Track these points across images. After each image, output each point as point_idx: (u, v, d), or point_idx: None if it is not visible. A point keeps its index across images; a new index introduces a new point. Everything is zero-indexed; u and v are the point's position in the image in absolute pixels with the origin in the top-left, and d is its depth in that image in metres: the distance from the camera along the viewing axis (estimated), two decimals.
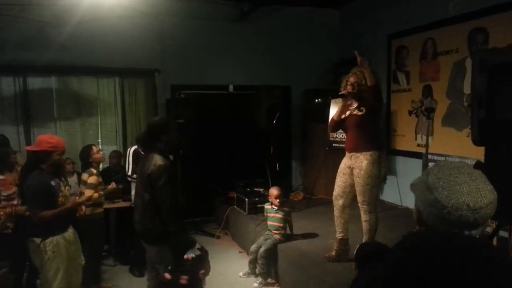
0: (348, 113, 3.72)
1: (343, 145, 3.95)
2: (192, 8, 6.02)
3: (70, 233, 3.33)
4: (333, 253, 3.85)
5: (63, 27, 5.28)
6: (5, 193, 3.63)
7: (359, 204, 3.66)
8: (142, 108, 5.99)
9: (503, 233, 3.24)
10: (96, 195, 4.15)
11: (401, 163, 5.74)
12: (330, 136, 5.75)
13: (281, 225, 4.41)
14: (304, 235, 4.59)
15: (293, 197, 6.35)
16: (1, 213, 3.50)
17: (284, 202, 4.74)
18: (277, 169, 5.86)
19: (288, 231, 4.48)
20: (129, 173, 4.73)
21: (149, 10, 5.79)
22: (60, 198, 3.19)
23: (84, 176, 4.20)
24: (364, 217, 3.66)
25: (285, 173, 6.67)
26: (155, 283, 3.23)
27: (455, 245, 1.07)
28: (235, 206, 5.76)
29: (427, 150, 4.49)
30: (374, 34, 6.09)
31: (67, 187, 3.38)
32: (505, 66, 2.45)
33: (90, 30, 5.49)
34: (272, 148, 5.84)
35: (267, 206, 4.57)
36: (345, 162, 3.73)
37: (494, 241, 3.16)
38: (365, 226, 3.67)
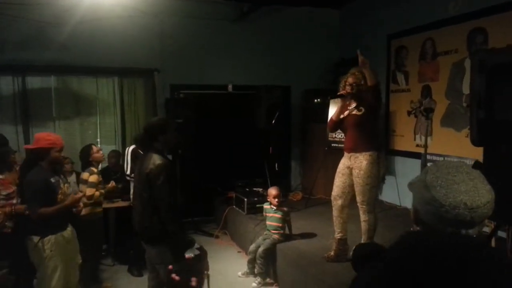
0: (346, 113, 3.72)
1: (342, 145, 3.95)
2: (192, 7, 6.02)
3: (68, 231, 3.33)
4: (332, 253, 3.85)
5: (63, 26, 5.28)
6: (4, 192, 3.63)
7: (358, 204, 3.66)
8: (141, 107, 5.99)
9: (502, 234, 3.25)
10: (97, 193, 4.16)
11: (400, 163, 5.74)
12: (330, 136, 5.75)
13: (280, 225, 4.41)
14: (303, 235, 4.59)
15: (292, 197, 6.35)
16: (0, 212, 3.49)
17: (283, 202, 4.74)
18: (276, 169, 5.87)
19: (287, 231, 4.48)
20: (128, 172, 4.73)
21: (148, 10, 5.79)
22: (60, 195, 3.19)
23: (85, 175, 4.20)
24: (363, 217, 3.67)
25: (284, 173, 6.67)
26: (156, 283, 3.23)
27: (453, 245, 1.07)
28: (234, 206, 5.76)
29: (426, 150, 4.49)
30: (374, 34, 6.09)
31: (66, 185, 3.38)
32: (505, 66, 2.45)
33: (89, 29, 5.48)
34: (271, 148, 5.85)
35: (266, 206, 4.57)
36: (344, 162, 3.73)
37: (493, 242, 3.17)
38: (364, 226, 3.67)
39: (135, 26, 5.76)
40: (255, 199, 5.45)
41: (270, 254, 4.31)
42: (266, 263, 4.32)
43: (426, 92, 5.27)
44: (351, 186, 3.68)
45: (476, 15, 4.51)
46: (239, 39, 6.48)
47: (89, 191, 4.09)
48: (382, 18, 6.01)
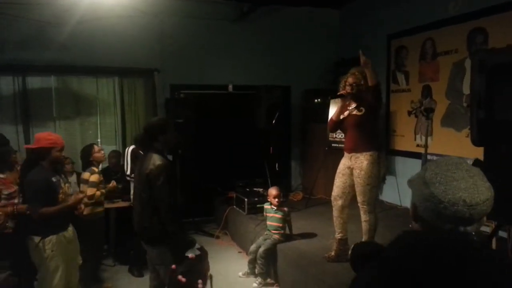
0: (347, 113, 3.72)
1: (343, 145, 3.95)
2: (192, 7, 6.02)
3: (70, 231, 3.33)
4: (332, 253, 3.85)
5: (63, 26, 5.28)
6: (6, 192, 3.63)
7: (359, 204, 3.66)
8: (142, 107, 5.99)
9: (503, 234, 3.25)
10: (98, 193, 4.16)
11: (401, 163, 5.74)
12: (330, 136, 5.75)
13: (280, 225, 4.41)
14: (303, 235, 4.59)
15: (292, 197, 6.35)
16: (0, 213, 3.49)
17: (284, 202, 4.74)
18: (277, 169, 5.87)
19: (287, 231, 4.48)
20: (128, 172, 4.73)
21: (148, 10, 5.79)
22: (61, 195, 3.20)
23: (86, 174, 4.21)
24: (363, 217, 3.67)
25: (284, 173, 6.67)
26: (157, 283, 3.23)
27: (452, 244, 1.07)
28: (234, 206, 5.76)
29: (426, 150, 4.49)
30: (374, 34, 6.09)
31: (67, 184, 3.39)
32: (505, 66, 2.45)
33: (89, 29, 5.49)
34: (271, 148, 5.84)
35: (266, 206, 4.57)
36: (344, 162, 3.73)
37: (493, 242, 3.17)
38: (364, 226, 3.67)
39: (135, 26, 5.77)
40: (256, 199, 5.45)
41: (270, 254, 4.31)
42: (266, 263, 4.32)
43: (427, 92, 5.27)
44: (352, 186, 3.68)
45: (476, 15, 4.50)
46: (239, 39, 6.48)
47: (90, 191, 4.09)
48: (382, 18, 6.00)
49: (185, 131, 5.34)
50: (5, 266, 3.99)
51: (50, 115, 5.60)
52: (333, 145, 5.79)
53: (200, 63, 6.23)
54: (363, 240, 3.68)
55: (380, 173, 3.74)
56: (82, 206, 4.01)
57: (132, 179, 4.53)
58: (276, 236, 4.37)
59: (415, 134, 5.47)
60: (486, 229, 3.46)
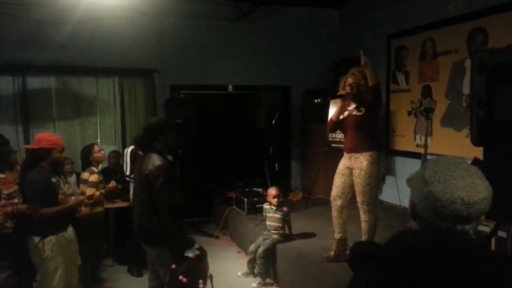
0: (346, 113, 3.71)
1: (342, 146, 3.95)
2: (192, 8, 6.02)
3: (69, 232, 3.33)
4: (332, 253, 3.85)
5: (63, 26, 5.28)
6: (6, 192, 3.64)
7: (358, 205, 3.66)
8: (141, 108, 5.98)
9: (502, 233, 3.25)
10: (97, 193, 4.16)
11: (400, 163, 5.74)
12: (330, 136, 5.75)
13: (280, 225, 4.41)
14: (302, 235, 4.59)
15: (292, 197, 6.35)
16: (0, 213, 3.50)
17: (283, 202, 4.74)
18: (276, 169, 5.87)
19: (286, 231, 4.48)
20: (127, 173, 4.73)
21: (148, 10, 5.79)
22: (60, 196, 3.20)
23: (85, 174, 4.20)
24: (363, 217, 3.67)
25: (284, 173, 6.67)
26: (156, 284, 3.23)
27: (451, 244, 1.07)
28: (234, 206, 5.76)
29: (426, 150, 4.49)
30: (374, 34, 6.09)
31: (66, 185, 3.39)
32: (505, 66, 2.45)
33: (89, 30, 5.49)
34: (271, 148, 5.84)
35: (266, 206, 4.57)
36: (344, 162, 3.73)
37: (493, 242, 3.16)
38: (364, 226, 3.67)
39: (135, 27, 5.77)
40: (255, 199, 5.45)
41: (270, 254, 4.31)
42: (266, 263, 4.32)
43: (426, 92, 5.27)
44: (351, 186, 3.68)
45: (476, 15, 4.50)
46: (239, 39, 6.48)
47: (90, 191, 4.09)
48: (382, 18, 6.00)
49: (185, 132, 5.34)
50: (4, 266, 3.99)
51: (50, 115, 5.59)
52: (332, 145, 5.79)
53: (200, 63, 6.23)
54: (362, 240, 3.68)
55: (379, 173, 3.74)
56: (83, 209, 4.01)
57: (131, 180, 4.53)
58: (276, 236, 4.37)
59: (415, 134, 5.47)
60: (485, 229, 3.46)
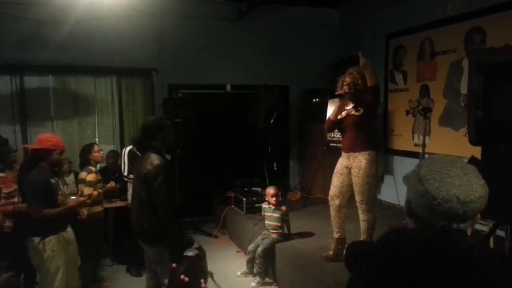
0: (344, 113, 3.72)
1: (340, 145, 3.95)
2: (190, 7, 6.02)
3: (68, 232, 3.34)
4: (331, 252, 3.85)
5: (61, 26, 5.27)
6: (5, 191, 3.65)
7: (357, 204, 3.67)
8: (140, 107, 5.98)
9: (500, 232, 3.25)
10: (95, 193, 4.15)
11: (398, 162, 5.75)
12: (328, 135, 5.76)
13: (279, 224, 4.41)
14: (301, 235, 4.59)
15: (290, 197, 6.35)
16: None
17: (282, 201, 4.74)
18: (275, 168, 5.87)
19: (285, 231, 4.49)
20: (125, 173, 4.72)
21: (147, 9, 5.78)
22: (60, 197, 3.20)
23: (83, 174, 4.19)
24: (362, 216, 3.67)
25: (282, 172, 6.67)
26: (154, 283, 3.23)
27: (447, 242, 1.07)
28: (233, 206, 5.76)
29: (424, 149, 4.51)
30: (373, 34, 6.10)
31: (65, 186, 3.39)
32: (502, 65, 2.45)
33: (88, 29, 5.48)
34: (270, 147, 5.85)
35: (264, 205, 4.57)
36: (342, 162, 3.73)
37: (491, 241, 3.18)
38: (363, 225, 3.68)
39: (134, 26, 5.76)
40: (254, 198, 5.45)
41: (269, 254, 4.31)
42: (265, 263, 4.32)
43: (424, 91, 5.28)
44: (349, 185, 3.68)
45: (474, 15, 4.52)
46: (237, 39, 6.47)
47: (87, 190, 4.08)
48: (380, 18, 6.01)
49: (184, 131, 5.34)
50: (3, 266, 3.98)
51: (48, 115, 5.59)
52: (331, 144, 5.80)
53: (198, 62, 6.22)
54: (361, 239, 3.68)
55: (378, 172, 3.75)
56: (85, 212, 4.00)
57: (129, 180, 4.54)
58: (274, 236, 4.37)
59: (413, 133, 5.49)
60: (484, 228, 3.47)
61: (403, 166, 5.60)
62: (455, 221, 1.09)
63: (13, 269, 3.89)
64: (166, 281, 3.03)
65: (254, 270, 4.37)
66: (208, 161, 6.28)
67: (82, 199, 3.54)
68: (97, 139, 5.83)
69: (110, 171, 5.08)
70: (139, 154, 3.28)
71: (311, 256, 3.98)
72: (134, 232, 3.16)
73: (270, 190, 4.49)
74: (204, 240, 5.46)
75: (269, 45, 6.63)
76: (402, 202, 5.50)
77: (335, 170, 3.78)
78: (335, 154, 4.12)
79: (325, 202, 4.63)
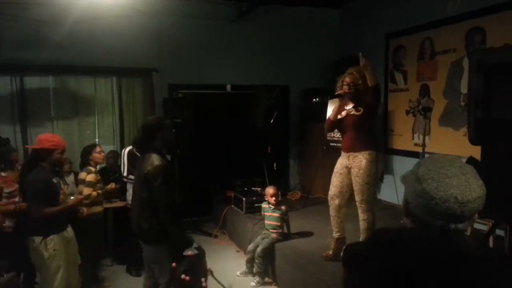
0: (344, 113, 3.72)
1: (340, 145, 3.95)
2: (190, 7, 6.02)
3: (69, 231, 3.36)
4: (330, 252, 3.85)
5: (61, 26, 5.27)
6: (7, 190, 3.66)
7: (357, 203, 3.67)
8: (140, 107, 5.98)
9: (500, 232, 3.25)
10: (94, 193, 4.15)
11: (398, 162, 5.75)
12: (328, 135, 5.76)
13: (278, 224, 4.41)
14: (301, 234, 4.59)
15: (290, 196, 6.35)
16: None
17: (282, 201, 4.74)
18: (275, 168, 5.87)
19: (285, 230, 4.49)
20: (125, 173, 4.72)
21: (147, 9, 5.78)
22: (61, 196, 3.23)
23: (82, 174, 4.20)
24: (362, 216, 3.67)
25: (282, 172, 6.67)
26: (151, 282, 3.23)
27: (445, 242, 1.07)
28: (232, 206, 5.76)
29: (424, 149, 4.51)
30: (373, 34, 6.09)
31: (65, 186, 3.41)
32: (502, 65, 2.46)
33: (87, 29, 5.47)
34: (269, 147, 5.85)
35: (264, 205, 4.57)
36: (342, 162, 3.73)
37: (491, 240, 3.18)
38: (362, 225, 3.68)
39: (133, 26, 5.76)
40: (254, 198, 5.45)
41: (268, 254, 4.31)
42: (264, 262, 4.32)
43: (424, 91, 5.28)
44: (349, 185, 3.68)
45: (474, 15, 4.52)
46: (237, 39, 6.47)
47: (86, 191, 4.08)
48: (380, 18, 6.01)
49: (183, 131, 5.34)
50: (4, 266, 3.98)
51: (48, 115, 5.58)
52: (331, 144, 5.80)
53: (198, 62, 6.22)
54: (361, 239, 3.69)
55: (378, 172, 3.75)
56: (84, 209, 4.01)
57: (129, 180, 4.54)
58: (274, 235, 4.37)
59: (413, 133, 5.48)
60: (483, 227, 3.47)
61: (403, 166, 5.60)
62: (453, 221, 1.09)
63: (13, 268, 3.89)
64: (163, 281, 3.03)
65: (254, 269, 4.37)
66: (208, 161, 6.28)
67: (81, 197, 3.55)
68: (97, 139, 5.82)
69: (110, 171, 5.08)
70: (139, 155, 3.28)
71: (310, 256, 3.97)
72: (133, 231, 3.17)
73: (270, 190, 4.49)
74: (204, 240, 5.46)
75: (269, 45, 6.62)
76: (401, 202, 5.51)
77: (335, 170, 3.78)
78: (335, 153, 4.12)
79: (325, 202, 4.63)
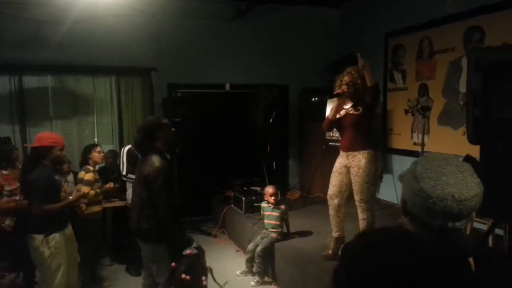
0: (343, 112, 3.72)
1: (339, 144, 3.96)
2: (189, 6, 6.01)
3: (69, 229, 3.37)
4: (330, 251, 3.86)
5: (60, 25, 5.26)
6: (8, 188, 3.67)
7: (356, 203, 3.67)
8: (139, 107, 5.97)
9: (499, 231, 3.26)
10: (92, 192, 4.15)
11: (397, 161, 5.75)
12: (327, 135, 5.77)
13: (278, 223, 4.41)
14: (301, 234, 4.59)
15: (290, 196, 6.36)
16: None
17: (281, 200, 4.74)
18: (274, 167, 5.87)
19: (284, 230, 4.49)
20: (124, 172, 4.72)
21: (146, 9, 5.77)
22: (63, 194, 3.24)
23: (81, 173, 4.21)
24: (361, 215, 3.68)
25: (282, 171, 6.68)
26: (150, 281, 3.24)
27: (444, 241, 1.07)
28: (232, 205, 5.76)
29: (423, 148, 4.51)
30: (373, 33, 6.10)
31: (66, 183, 3.43)
32: (501, 64, 2.46)
33: (86, 28, 5.47)
34: (269, 147, 5.85)
35: (263, 204, 4.57)
36: (341, 161, 3.73)
37: (490, 239, 3.18)
38: (362, 224, 3.69)
39: (132, 25, 5.75)
40: (253, 198, 5.45)
41: (268, 253, 4.32)
42: (264, 262, 4.33)
43: (423, 90, 5.28)
44: (348, 185, 3.69)
45: (472, 14, 4.52)
46: (236, 38, 6.47)
47: (85, 189, 4.08)
48: (380, 17, 6.01)
49: (183, 130, 5.33)
50: (5, 266, 3.98)
51: (46, 115, 5.58)
52: (330, 143, 5.81)
53: (197, 62, 6.22)
54: None
55: (377, 171, 3.75)
56: (83, 205, 4.02)
57: (128, 179, 4.54)
58: (274, 235, 4.38)
59: (412, 132, 5.49)
60: (482, 226, 3.48)
61: (402, 165, 5.60)
62: (451, 220, 1.09)
63: (14, 268, 3.89)
64: (161, 280, 3.03)
65: (254, 269, 4.37)
66: (208, 161, 6.28)
67: (80, 193, 3.57)
68: (96, 139, 5.82)
69: (109, 170, 5.08)
70: (140, 156, 3.29)
71: (310, 255, 3.98)
72: (133, 231, 3.17)
73: (269, 189, 4.49)
74: (204, 240, 5.46)
75: (268, 44, 6.62)
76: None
77: (334, 170, 3.79)
78: (334, 153, 4.13)
79: (324, 201, 4.63)
